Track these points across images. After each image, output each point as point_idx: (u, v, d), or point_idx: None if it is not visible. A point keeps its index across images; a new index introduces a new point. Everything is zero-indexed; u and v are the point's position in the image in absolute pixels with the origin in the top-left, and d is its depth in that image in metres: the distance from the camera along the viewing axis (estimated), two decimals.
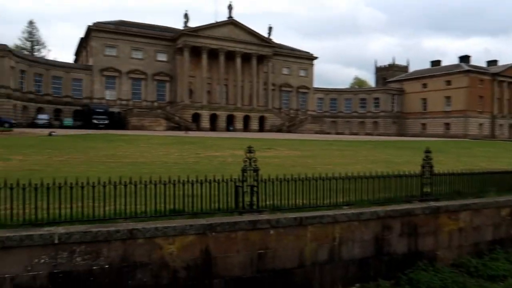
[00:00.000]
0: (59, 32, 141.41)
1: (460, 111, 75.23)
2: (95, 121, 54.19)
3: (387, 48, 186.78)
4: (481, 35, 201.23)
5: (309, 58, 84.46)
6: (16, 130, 36.14)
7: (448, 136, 70.95)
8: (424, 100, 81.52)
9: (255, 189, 8.16)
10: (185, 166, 15.25)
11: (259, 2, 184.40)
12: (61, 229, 6.44)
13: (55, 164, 13.91)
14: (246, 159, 8.24)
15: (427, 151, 10.32)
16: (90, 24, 63.34)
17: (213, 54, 69.21)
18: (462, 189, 10.96)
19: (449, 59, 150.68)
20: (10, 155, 15.70)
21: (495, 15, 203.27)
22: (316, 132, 71.09)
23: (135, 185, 7.30)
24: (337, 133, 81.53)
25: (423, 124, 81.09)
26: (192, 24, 67.14)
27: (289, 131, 69.54)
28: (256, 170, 8.25)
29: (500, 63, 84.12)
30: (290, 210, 8.42)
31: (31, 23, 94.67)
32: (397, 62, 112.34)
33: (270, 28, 75.00)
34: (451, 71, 78.36)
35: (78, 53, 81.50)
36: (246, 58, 72.41)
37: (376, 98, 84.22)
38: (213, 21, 69.32)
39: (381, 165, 17.95)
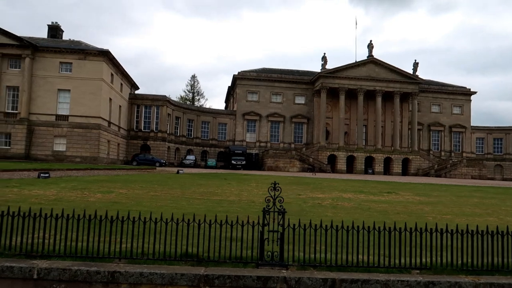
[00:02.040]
0: (220, 83, 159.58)
1: None
2: (233, 162, 57.55)
3: None
4: None
5: (464, 93, 74.92)
6: (158, 168, 40.64)
7: None
8: None
9: (276, 236, 6.53)
10: None
11: (412, 40, 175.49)
12: (43, 264, 6.01)
13: (144, 198, 14.39)
14: (269, 197, 6.72)
15: None
16: (235, 73, 69.20)
17: (351, 94, 67.50)
18: None
19: None
20: (118, 189, 17.05)
21: None
22: (473, 177, 61.16)
23: (177, 223, 6.62)
24: (504, 179, 68.77)
25: None
26: (331, 65, 67.26)
27: (438, 175, 61.61)
28: (282, 213, 6.63)
29: None
30: (328, 268, 6.42)
31: (193, 77, 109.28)
32: None
33: (415, 64, 69.75)
34: None
35: (227, 100, 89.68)
36: (388, 96, 68.43)
37: None
38: (353, 62, 68.13)
39: None
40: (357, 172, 62.52)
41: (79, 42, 45.77)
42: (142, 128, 57.56)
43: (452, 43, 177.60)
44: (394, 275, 6.22)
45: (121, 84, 53.01)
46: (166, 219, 6.60)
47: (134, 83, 59.92)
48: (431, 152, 71.18)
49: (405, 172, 64.99)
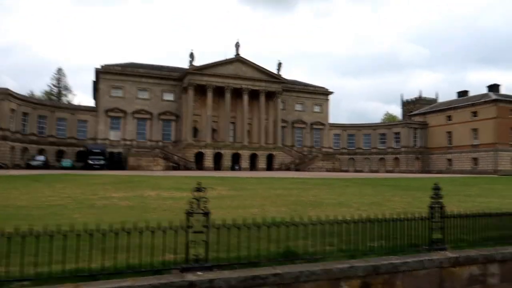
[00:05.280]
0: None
1: (489, 144, 68.24)
2: (90, 162, 53.76)
3: (431, 84, 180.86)
4: None
5: (324, 93, 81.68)
6: None
7: (476, 172, 64.22)
8: (449, 134, 75.26)
9: None
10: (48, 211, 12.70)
11: (297, 45, 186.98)
12: None
13: None
14: None
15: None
16: (98, 67, 64.87)
17: (219, 92, 68.35)
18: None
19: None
20: None
21: None
22: (328, 170, 66.93)
23: None
24: (356, 171, 76.75)
25: (449, 160, 74.41)
26: (204, 63, 66.89)
27: (297, 169, 65.95)
28: None
29: None
30: None
31: (59, 70, 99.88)
32: (439, 97, 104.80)
33: (279, 64, 73.36)
34: (478, 101, 72.27)
35: (95, 97, 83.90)
36: (255, 95, 70.88)
37: (397, 133, 79.03)
38: (221, 60, 68.91)
39: (289, 207, 14.54)
40: (225, 168, 63.60)
41: None
42: None
43: (331, 48, 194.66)
44: None
45: None
46: None
47: None
48: (294, 148, 75.97)
49: (269, 167, 68.18)
